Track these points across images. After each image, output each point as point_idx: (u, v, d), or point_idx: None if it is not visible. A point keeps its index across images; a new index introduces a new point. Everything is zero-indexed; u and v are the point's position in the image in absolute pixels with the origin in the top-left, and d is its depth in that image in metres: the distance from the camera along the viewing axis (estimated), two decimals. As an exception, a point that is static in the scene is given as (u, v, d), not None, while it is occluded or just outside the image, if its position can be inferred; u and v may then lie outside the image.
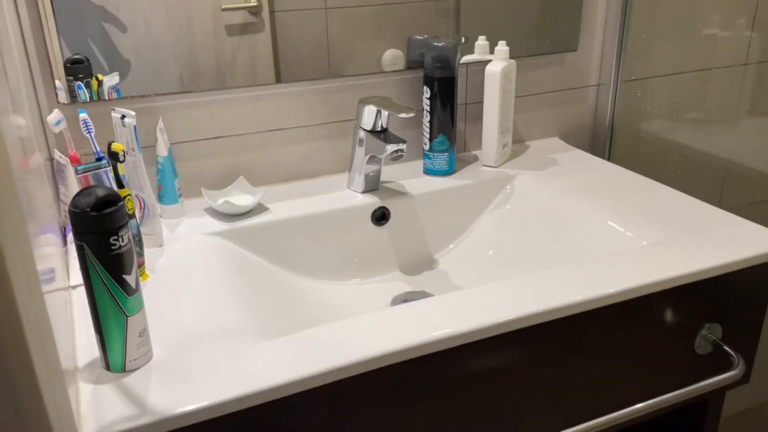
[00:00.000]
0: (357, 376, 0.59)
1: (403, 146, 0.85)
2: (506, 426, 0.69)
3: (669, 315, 0.74)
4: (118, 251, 0.53)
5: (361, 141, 0.89)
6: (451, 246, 0.95)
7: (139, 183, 0.75)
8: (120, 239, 0.53)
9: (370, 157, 0.89)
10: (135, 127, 0.73)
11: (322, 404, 0.59)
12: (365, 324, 0.63)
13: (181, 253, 0.77)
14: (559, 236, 0.87)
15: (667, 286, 0.70)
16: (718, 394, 0.84)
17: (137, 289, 0.55)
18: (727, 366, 0.74)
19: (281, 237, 0.86)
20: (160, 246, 0.79)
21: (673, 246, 0.75)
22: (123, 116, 0.73)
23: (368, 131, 0.88)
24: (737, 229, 0.79)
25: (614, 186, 0.93)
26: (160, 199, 0.84)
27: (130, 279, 0.54)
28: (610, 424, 0.69)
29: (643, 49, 1.10)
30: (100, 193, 0.52)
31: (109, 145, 0.67)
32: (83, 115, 0.71)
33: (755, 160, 1.24)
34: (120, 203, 0.53)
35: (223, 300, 0.68)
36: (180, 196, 0.85)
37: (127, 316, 0.55)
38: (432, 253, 0.94)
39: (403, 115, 0.82)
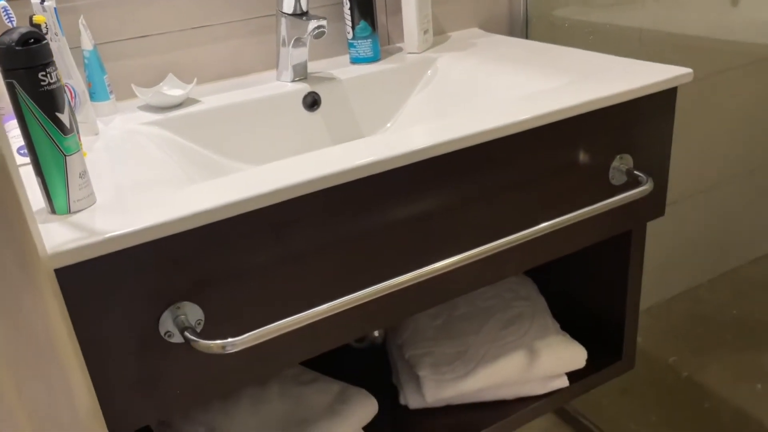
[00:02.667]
0: (293, 200, 0.62)
1: (323, 22, 0.88)
2: (436, 247, 0.74)
3: (581, 147, 0.80)
4: (48, 87, 0.55)
5: (283, 26, 0.92)
6: (387, 125, 0.99)
7: (66, 70, 0.76)
8: (48, 76, 0.55)
9: (294, 41, 0.92)
10: (56, 9, 0.74)
11: (265, 230, 0.62)
12: (301, 160, 0.67)
13: (116, 139, 0.79)
14: (483, 96, 0.93)
15: (577, 112, 0.76)
16: (639, 224, 0.91)
17: (72, 130, 0.58)
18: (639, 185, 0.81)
19: (215, 125, 0.88)
20: (96, 134, 0.80)
21: (584, 84, 0.81)
22: (42, 0, 0.74)
23: (289, 15, 0.91)
24: (644, 67, 0.85)
25: (531, 54, 0.99)
26: (91, 96, 0.85)
27: (63, 118, 0.56)
28: (526, 238, 0.73)
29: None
30: (23, 30, 0.54)
31: (30, 18, 0.68)
32: (3, 3, 0.72)
33: (667, 24, 1.31)
34: (44, 41, 0.55)
35: (161, 167, 0.71)
36: (111, 93, 0.87)
37: (65, 156, 0.57)
38: (365, 135, 0.98)
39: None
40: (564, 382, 0.97)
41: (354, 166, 0.64)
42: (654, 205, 0.89)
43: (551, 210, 0.80)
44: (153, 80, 0.93)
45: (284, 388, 0.92)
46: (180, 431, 0.84)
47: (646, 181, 0.79)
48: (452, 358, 0.96)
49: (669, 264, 1.60)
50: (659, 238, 1.35)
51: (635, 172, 0.82)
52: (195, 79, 0.90)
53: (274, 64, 1.01)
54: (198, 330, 0.61)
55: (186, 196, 0.60)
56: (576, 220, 0.76)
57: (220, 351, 0.58)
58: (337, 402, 0.90)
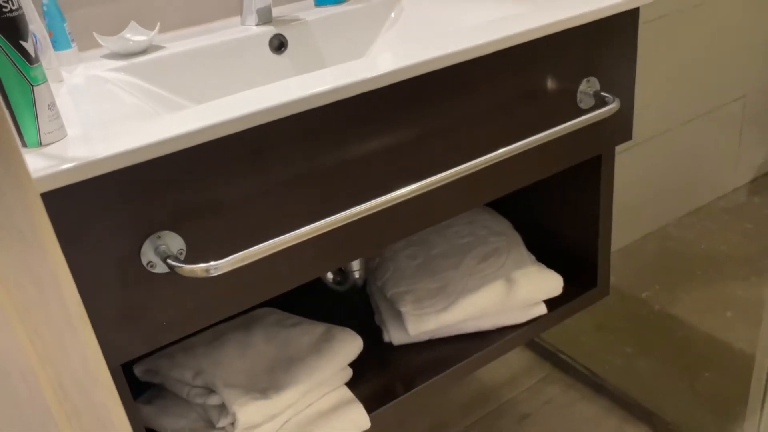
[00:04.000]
0: (269, 125, 0.62)
1: (286, -40, 0.87)
2: (411, 171, 0.75)
3: (548, 72, 0.81)
4: (10, 14, 0.54)
5: (246, -31, 0.91)
6: (352, 67, 0.99)
7: (27, 15, 0.74)
8: (10, 2, 0.54)
9: (257, -18, 0.91)
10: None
11: (243, 156, 0.62)
12: (276, 86, 0.67)
13: (81, 86, 0.78)
14: (454, 26, 0.93)
15: (541, 34, 0.77)
16: (608, 148, 0.93)
17: (38, 60, 0.57)
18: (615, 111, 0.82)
19: (182, 70, 0.87)
20: (60, 81, 0.79)
21: (548, 8, 0.82)
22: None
23: (251, -45, 0.90)
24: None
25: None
26: (53, 45, 0.83)
27: (28, 47, 0.55)
28: (500, 158, 0.75)
29: None
30: (-20, -46, 0.53)
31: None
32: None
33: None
34: (2, -34, 0.53)
35: (130, 107, 0.70)
36: (72, 41, 0.85)
37: (32, 86, 0.56)
38: (334, 78, 0.98)
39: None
40: (542, 310, 0.99)
41: (328, 89, 0.64)
42: (621, 127, 0.91)
43: (523, 134, 0.81)
44: (114, 29, 0.92)
45: (268, 331, 0.93)
46: (167, 377, 0.85)
47: (613, 101, 0.81)
48: (433, 293, 0.97)
49: (638, 205, 1.64)
50: (628, 179, 1.38)
51: (602, 93, 0.83)
52: (158, 24, 0.89)
53: (238, 10, 1.00)
54: (181, 259, 0.61)
55: (161, 124, 0.60)
56: (547, 140, 0.77)
57: (204, 274, 0.58)
58: (322, 341, 0.91)
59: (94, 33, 0.87)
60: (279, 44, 0.94)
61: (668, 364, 1.35)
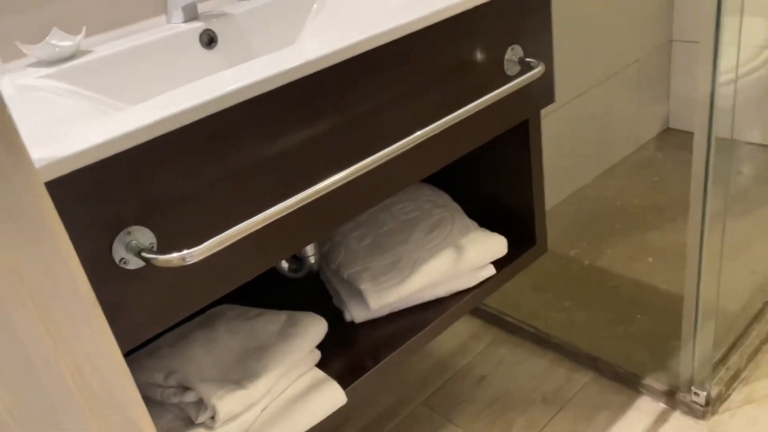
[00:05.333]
0: (226, 112, 0.64)
1: (210, -46, 0.88)
2: (358, 150, 0.78)
3: (475, 43, 0.86)
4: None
5: (168, -33, 0.90)
6: (283, 57, 1.01)
7: (-55, 26, 0.72)
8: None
9: (181, -21, 0.91)
10: None
11: (202, 145, 0.63)
12: (227, 74, 0.67)
13: (13, 96, 0.76)
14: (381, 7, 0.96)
15: (465, 8, 0.81)
16: (534, 112, 0.99)
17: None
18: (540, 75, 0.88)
19: (113, 72, 0.86)
20: (-10, 93, 0.76)
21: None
22: None
23: (172, -49, 0.89)
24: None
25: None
26: (-27, 57, 0.80)
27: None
28: (437, 130, 0.78)
29: None
30: None
31: None
32: None
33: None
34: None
35: (72, 110, 0.69)
36: (-6, 52, 0.82)
37: (-19, 92, 0.55)
38: (267, 69, 0.99)
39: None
40: (491, 271, 1.04)
41: (279, 71, 0.66)
42: (545, 91, 0.97)
43: (458, 105, 0.86)
44: (38, 38, 0.89)
45: (232, 326, 0.93)
46: (136, 380, 0.84)
47: (538, 65, 0.87)
48: (388, 269, 1.01)
49: (556, 170, 1.74)
50: (544, 146, 1.47)
51: (527, 59, 0.89)
52: (84, 28, 0.87)
53: (162, 8, 0.99)
54: (153, 251, 0.61)
55: (116, 120, 0.60)
56: (481, 107, 0.82)
57: (180, 263, 0.59)
58: (288, 326, 0.92)
59: (17, 42, 0.84)
60: (209, 40, 0.94)
61: (604, 312, 1.45)
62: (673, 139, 2.10)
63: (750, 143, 1.81)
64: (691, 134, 1.07)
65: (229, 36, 0.96)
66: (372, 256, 1.03)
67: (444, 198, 1.14)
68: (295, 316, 0.94)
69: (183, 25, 0.93)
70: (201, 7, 0.99)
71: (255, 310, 0.97)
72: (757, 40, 1.54)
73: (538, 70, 0.86)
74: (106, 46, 0.88)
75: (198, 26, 0.93)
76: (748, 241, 1.47)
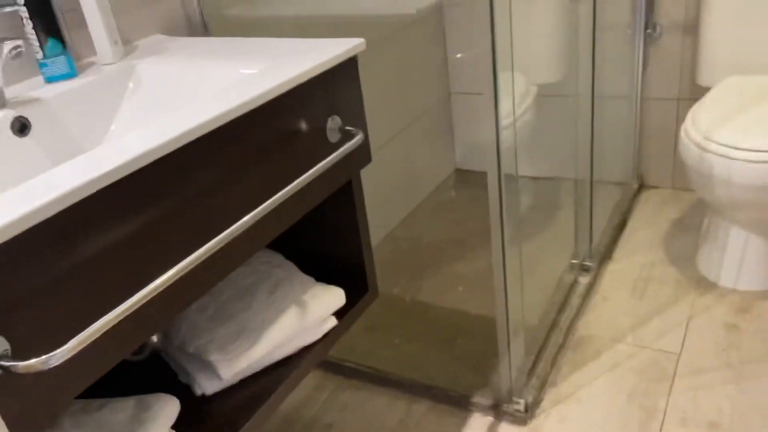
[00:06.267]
0: (73, 208, 0.63)
1: (19, 42, 0.85)
2: (198, 236, 0.81)
3: (299, 118, 0.93)
4: None
5: (-33, 55, 0.86)
6: (107, 137, 0.99)
7: None
8: None
9: (-14, 66, 0.86)
10: None
11: (45, 244, 0.62)
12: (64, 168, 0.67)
13: None
14: (198, 93, 1.00)
15: (288, 87, 0.88)
16: (355, 172, 1.09)
17: None
18: (359, 141, 0.98)
19: None
20: None
21: (286, 65, 0.94)
22: None
23: (-27, 39, 0.85)
24: (329, 43, 1.02)
25: (228, 48, 1.08)
26: None
27: None
28: (267, 210, 0.83)
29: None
30: None
31: None
32: None
33: (316, 8, 1.53)
34: None
35: None
36: None
37: None
38: (87, 150, 0.97)
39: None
40: (334, 322, 1.11)
41: (123, 162, 0.67)
42: (363, 153, 1.07)
43: (290, 176, 0.92)
44: None
45: (78, 420, 0.88)
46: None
47: (358, 133, 0.97)
48: (235, 336, 1.02)
49: (369, 217, 1.87)
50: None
51: (346, 128, 0.99)
52: None
53: (-41, 97, 0.92)
54: (9, 357, 0.58)
55: (-47, 228, 0.57)
56: (312, 178, 0.89)
57: (42, 367, 0.57)
58: (139, 412, 0.90)
59: None
60: (21, 126, 0.90)
61: (429, 342, 1.58)
62: (462, 178, 2.36)
63: (522, 176, 2.12)
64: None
65: (42, 121, 0.92)
66: (217, 326, 1.04)
67: (278, 258, 1.19)
68: (144, 400, 0.91)
69: (-10, 113, 0.88)
70: (8, 92, 0.95)
71: (98, 401, 0.92)
72: (519, 90, 1.83)
73: (359, 138, 0.96)
74: None
75: (8, 114, 0.88)
76: (535, 261, 1.71)
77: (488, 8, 1.06)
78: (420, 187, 2.22)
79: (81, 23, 1.07)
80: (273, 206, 0.83)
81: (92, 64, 1.08)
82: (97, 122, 0.99)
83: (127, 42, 1.17)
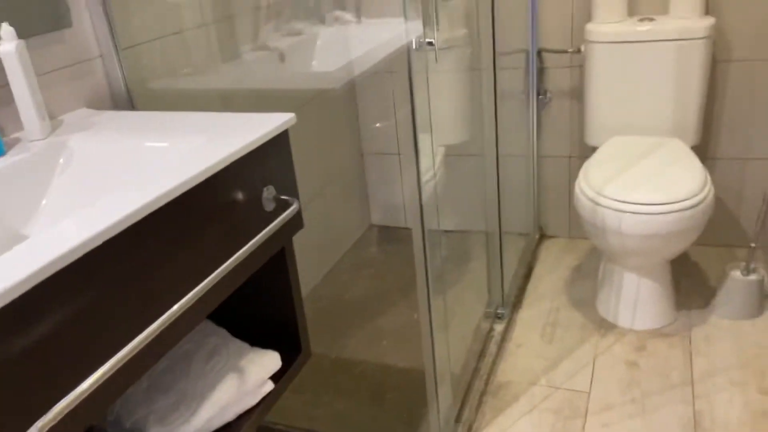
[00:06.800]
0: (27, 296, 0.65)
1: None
2: (146, 309, 0.83)
3: (237, 188, 0.98)
4: None
5: None
6: (40, 216, 0.99)
7: None
8: None
9: None
10: None
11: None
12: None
13: None
14: (131, 168, 1.02)
15: (227, 163, 0.93)
16: (288, 239, 1.14)
17: None
18: (288, 206, 1.03)
19: None
20: None
21: (222, 140, 0.99)
22: None
23: None
24: (261, 117, 1.08)
25: (158, 122, 1.12)
26: None
27: None
28: (206, 288, 0.85)
29: (134, 18, 1.29)
30: None
31: None
32: None
33: (239, 82, 1.59)
34: None
35: None
36: None
37: None
38: (17, 230, 0.96)
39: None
40: (270, 385, 1.13)
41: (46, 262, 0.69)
42: (296, 220, 1.13)
43: (230, 250, 0.96)
44: None
45: None
46: None
47: (293, 202, 1.02)
48: (175, 406, 1.02)
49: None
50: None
51: (281, 197, 1.04)
52: None
53: None
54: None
55: None
56: (254, 248, 0.94)
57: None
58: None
59: None
60: (-49, 207, 0.89)
61: (359, 398, 1.62)
62: (377, 234, 2.45)
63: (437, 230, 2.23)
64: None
65: (-27, 201, 0.91)
66: (155, 398, 1.04)
67: (210, 326, 1.20)
68: (85, 481, 0.90)
69: None
70: (-67, 173, 0.93)
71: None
72: (429, 151, 1.95)
73: (294, 207, 1.01)
74: None
75: (-63, 195, 0.87)
76: (453, 311, 1.81)
77: (407, 79, 1.17)
78: (338, 245, 2.28)
79: (7, 98, 1.07)
80: (216, 280, 0.86)
81: (19, 140, 1.07)
82: (27, 200, 0.99)
83: (52, 116, 1.17)
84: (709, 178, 1.66)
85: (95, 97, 1.26)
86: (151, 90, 1.36)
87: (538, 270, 2.13)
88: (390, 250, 2.30)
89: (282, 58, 1.69)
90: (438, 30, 1.27)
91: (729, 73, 1.92)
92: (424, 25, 1.21)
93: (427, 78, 1.25)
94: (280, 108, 1.10)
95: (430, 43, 1.18)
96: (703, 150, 2.01)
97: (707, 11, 1.86)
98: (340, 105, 2.23)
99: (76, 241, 0.70)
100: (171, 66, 1.42)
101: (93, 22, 1.24)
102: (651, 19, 1.86)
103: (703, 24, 1.77)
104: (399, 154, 2.33)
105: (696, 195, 1.57)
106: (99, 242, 0.72)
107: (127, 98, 1.29)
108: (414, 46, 1.16)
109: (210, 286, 0.85)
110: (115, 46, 1.26)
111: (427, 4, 1.25)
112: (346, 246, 2.32)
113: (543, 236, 2.32)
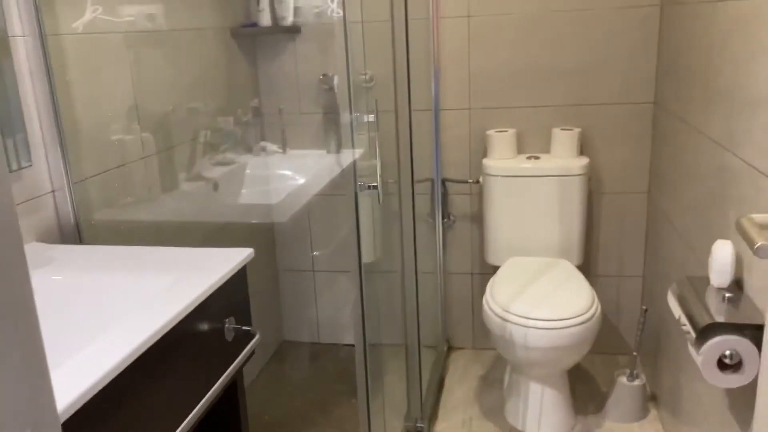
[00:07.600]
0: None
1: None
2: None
3: (201, 324, 1.05)
4: None
5: None
6: None
7: None
8: None
9: None
10: None
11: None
12: None
13: None
14: (101, 308, 1.06)
15: (196, 304, 1.01)
16: (239, 372, 1.20)
17: None
18: (250, 337, 1.11)
19: None
20: None
21: (189, 279, 1.07)
22: None
23: None
24: (221, 252, 1.16)
25: (119, 258, 1.17)
26: None
27: None
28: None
29: (86, 155, 1.36)
30: None
31: None
32: None
33: (177, 214, 1.66)
34: None
35: None
36: None
37: None
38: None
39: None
40: None
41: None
42: (249, 353, 1.20)
43: (202, 383, 1.02)
44: None
45: None
46: None
47: (256, 333, 1.10)
48: None
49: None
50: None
51: (243, 327, 1.12)
52: None
53: None
54: None
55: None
56: (227, 379, 1.00)
57: None
58: None
59: None
60: None
61: None
62: (291, 350, 2.49)
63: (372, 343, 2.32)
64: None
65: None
66: None
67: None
68: None
69: None
70: None
71: None
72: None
73: (257, 338, 1.09)
74: None
75: None
76: (377, 425, 1.88)
77: (354, 204, 1.32)
78: (252, 362, 2.29)
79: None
80: (196, 417, 0.92)
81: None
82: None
83: (4, 251, 1.19)
84: (595, 295, 1.91)
85: (45, 231, 1.29)
86: (99, 222, 1.41)
87: (449, 381, 2.27)
88: (303, 365, 2.35)
89: (215, 187, 1.79)
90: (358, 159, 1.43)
91: (602, 203, 2.25)
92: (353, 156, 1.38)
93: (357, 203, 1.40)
94: (210, 242, 1.19)
95: (373, 187, 1.34)
96: (586, 269, 2.30)
97: (581, 152, 2.20)
98: (258, 228, 2.33)
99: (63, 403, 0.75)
100: (115, 197, 1.48)
101: (48, 160, 1.30)
102: (537, 158, 2.17)
103: (579, 163, 2.10)
104: (314, 271, 2.44)
105: (589, 311, 1.80)
106: (77, 408, 0.76)
107: (75, 231, 1.33)
108: (358, 189, 1.32)
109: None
110: (68, 181, 1.31)
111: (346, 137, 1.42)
112: (261, 363, 2.34)
113: (451, 348, 2.48)
